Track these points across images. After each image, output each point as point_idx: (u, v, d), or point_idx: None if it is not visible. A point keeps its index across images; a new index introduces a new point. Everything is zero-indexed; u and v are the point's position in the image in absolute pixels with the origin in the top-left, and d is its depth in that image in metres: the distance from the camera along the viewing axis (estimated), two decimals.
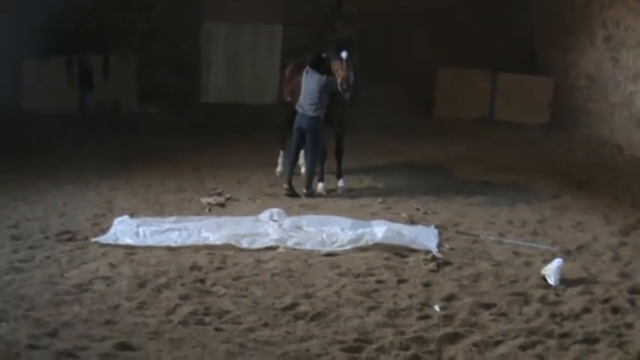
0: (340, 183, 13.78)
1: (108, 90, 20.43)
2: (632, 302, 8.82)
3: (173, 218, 11.31)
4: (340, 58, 12.90)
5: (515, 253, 10.51)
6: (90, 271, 9.23)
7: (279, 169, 14.68)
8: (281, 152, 14.71)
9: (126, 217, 11.17)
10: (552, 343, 7.73)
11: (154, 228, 10.72)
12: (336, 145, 13.85)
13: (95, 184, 13.54)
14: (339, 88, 12.91)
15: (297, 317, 8.17)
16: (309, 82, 13.23)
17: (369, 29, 21.46)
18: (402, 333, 7.83)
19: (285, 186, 13.37)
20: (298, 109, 13.36)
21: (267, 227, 10.93)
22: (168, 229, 10.73)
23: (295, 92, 13.91)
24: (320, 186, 13.62)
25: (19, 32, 18.11)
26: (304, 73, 13.43)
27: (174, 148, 16.21)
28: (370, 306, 8.51)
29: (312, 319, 8.13)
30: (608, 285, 9.33)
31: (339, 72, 12.88)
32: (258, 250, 10.24)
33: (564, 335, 7.92)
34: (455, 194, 13.65)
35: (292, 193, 13.28)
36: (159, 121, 19.53)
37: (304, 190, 13.37)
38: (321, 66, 13.35)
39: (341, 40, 13.65)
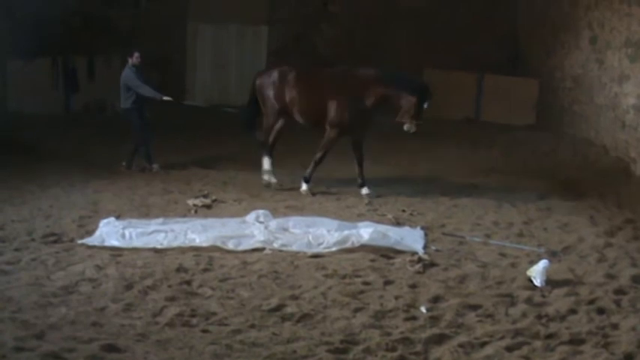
0: (364, 191, 13.72)
1: (93, 91, 20.41)
2: (617, 303, 8.87)
3: (159, 220, 11.30)
4: (420, 105, 13.06)
5: (502, 255, 10.54)
6: (76, 273, 9.21)
7: (266, 177, 14.20)
8: (266, 159, 14.38)
9: (112, 219, 11.16)
10: (538, 344, 7.77)
11: (140, 230, 10.70)
12: (357, 156, 13.85)
13: (81, 185, 13.53)
14: (405, 129, 13.21)
15: (283, 319, 8.18)
16: (123, 79, 14.74)
17: (355, 29, 21.50)
18: (389, 334, 7.85)
19: (123, 163, 15.09)
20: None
21: (254, 229, 10.92)
22: (154, 231, 10.71)
23: (294, 103, 13.83)
24: (305, 187, 13.63)
25: (3, 33, 18.03)
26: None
27: (159, 149, 16.14)
28: (356, 307, 8.53)
29: (298, 321, 8.14)
30: (593, 286, 9.37)
31: (412, 118, 13.09)
32: (245, 251, 10.25)
33: (550, 336, 7.95)
34: (441, 195, 13.69)
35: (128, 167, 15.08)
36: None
37: (123, 163, 15.05)
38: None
39: (426, 86, 13.53)
